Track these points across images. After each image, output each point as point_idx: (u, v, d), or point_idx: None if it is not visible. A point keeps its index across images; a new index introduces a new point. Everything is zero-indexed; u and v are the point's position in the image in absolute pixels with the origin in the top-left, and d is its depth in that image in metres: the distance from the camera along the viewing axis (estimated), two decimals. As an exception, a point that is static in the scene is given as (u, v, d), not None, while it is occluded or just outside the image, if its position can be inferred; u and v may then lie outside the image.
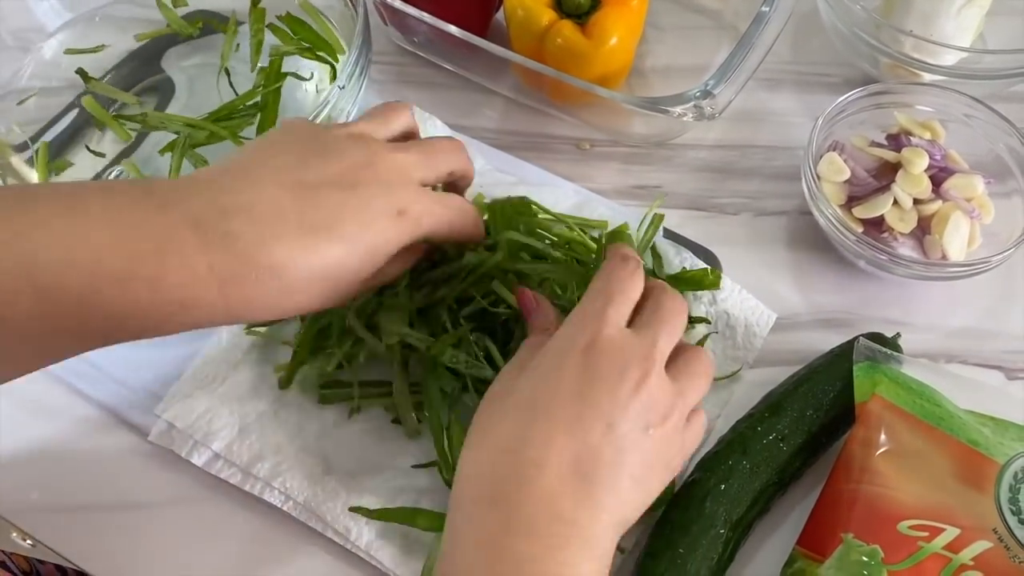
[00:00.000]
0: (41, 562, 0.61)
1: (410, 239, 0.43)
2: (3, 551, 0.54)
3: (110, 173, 0.58)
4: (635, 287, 0.42)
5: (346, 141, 0.43)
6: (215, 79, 0.60)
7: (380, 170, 0.43)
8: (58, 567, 0.60)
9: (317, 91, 0.61)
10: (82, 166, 0.58)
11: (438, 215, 0.45)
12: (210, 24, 0.63)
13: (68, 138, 0.59)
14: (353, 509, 0.49)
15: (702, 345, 0.54)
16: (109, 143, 0.59)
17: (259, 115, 0.56)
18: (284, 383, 0.52)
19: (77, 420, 0.54)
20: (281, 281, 0.39)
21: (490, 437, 0.39)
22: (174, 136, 0.57)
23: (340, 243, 0.40)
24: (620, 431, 0.38)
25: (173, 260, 0.37)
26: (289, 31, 0.60)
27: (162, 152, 0.56)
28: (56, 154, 0.58)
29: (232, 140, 0.55)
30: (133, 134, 0.59)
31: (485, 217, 0.53)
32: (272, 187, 0.40)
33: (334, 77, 0.60)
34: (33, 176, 0.57)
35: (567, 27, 0.60)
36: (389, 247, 0.42)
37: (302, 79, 0.56)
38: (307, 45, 0.60)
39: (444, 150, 0.47)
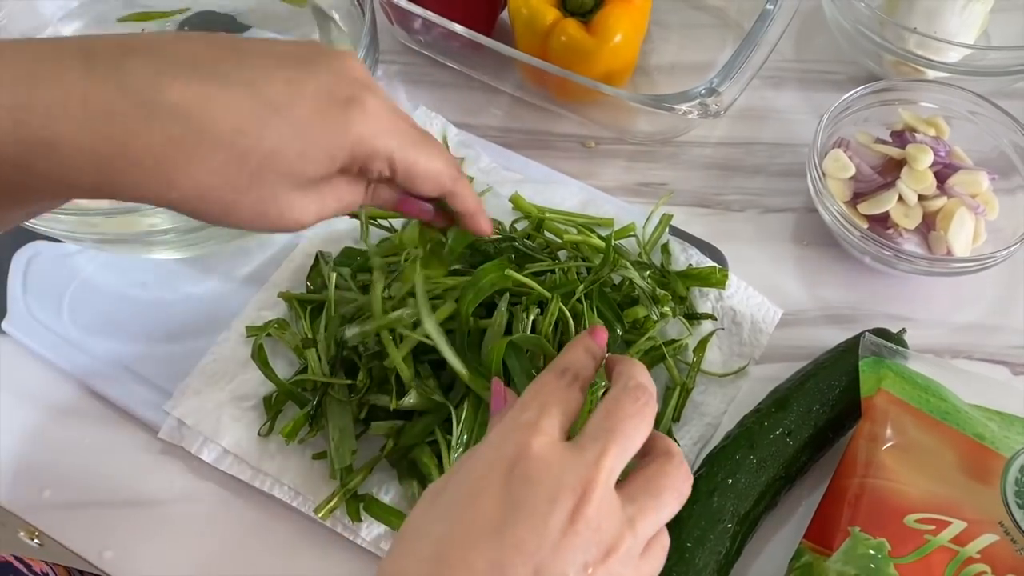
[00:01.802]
0: (56, 564, 0.61)
1: (354, 144, 0.35)
2: (18, 557, 0.54)
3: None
4: (573, 399, 0.36)
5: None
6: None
7: (343, 61, 0.36)
8: (67, 570, 0.60)
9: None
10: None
11: (401, 132, 0.36)
12: (219, 27, 0.64)
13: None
14: (350, 503, 0.49)
15: (706, 343, 0.54)
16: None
17: None
18: (265, 432, 0.52)
19: (87, 417, 0.54)
20: (167, 129, 0.31)
21: None
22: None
23: (255, 101, 0.32)
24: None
25: (45, 86, 0.30)
26: None
27: None
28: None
29: None
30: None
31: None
32: (201, 41, 0.33)
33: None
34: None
35: (571, 25, 0.60)
36: (324, 137, 0.34)
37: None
38: None
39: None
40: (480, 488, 0.32)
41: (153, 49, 0.32)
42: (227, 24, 0.64)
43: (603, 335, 0.39)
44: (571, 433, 0.35)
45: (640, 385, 0.35)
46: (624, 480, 0.34)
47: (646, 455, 0.36)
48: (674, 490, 0.35)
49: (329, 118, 0.34)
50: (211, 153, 0.32)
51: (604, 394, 0.37)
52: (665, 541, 0.35)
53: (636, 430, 0.34)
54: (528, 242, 0.54)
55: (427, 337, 0.48)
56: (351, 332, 0.49)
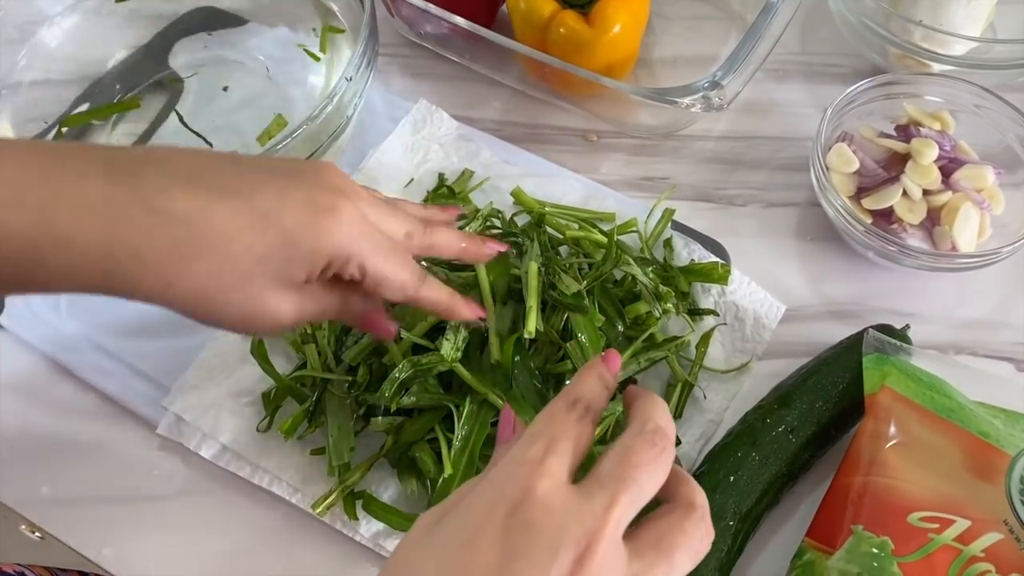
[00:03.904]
0: (63, 570, 0.61)
1: (330, 250, 0.38)
2: (21, 564, 0.54)
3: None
4: (583, 434, 0.33)
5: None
6: (224, 76, 0.60)
7: (326, 173, 0.40)
8: (81, 573, 0.60)
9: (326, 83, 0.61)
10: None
11: (373, 240, 0.39)
12: (218, 21, 0.63)
13: (75, 137, 0.59)
14: (347, 500, 0.49)
15: (709, 339, 0.54)
16: (120, 137, 0.59)
17: None
18: (264, 428, 0.51)
19: (85, 413, 0.54)
20: (172, 232, 0.35)
21: None
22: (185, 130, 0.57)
23: (248, 210, 0.36)
24: None
25: (69, 187, 0.34)
26: None
27: None
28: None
29: None
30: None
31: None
32: (206, 155, 0.38)
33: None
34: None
35: (570, 16, 0.60)
36: (307, 244, 0.37)
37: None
38: None
39: (439, 223, 0.45)
40: (478, 529, 0.30)
41: (165, 161, 0.36)
42: (227, 17, 0.64)
43: (616, 361, 0.37)
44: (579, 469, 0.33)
45: (659, 429, 0.33)
46: (636, 528, 0.32)
47: (667, 501, 0.34)
48: (688, 549, 0.32)
49: (312, 226, 0.37)
50: (208, 256, 0.36)
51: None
52: None
53: (650, 478, 0.32)
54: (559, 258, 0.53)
55: (424, 337, 0.48)
56: (350, 355, 0.49)
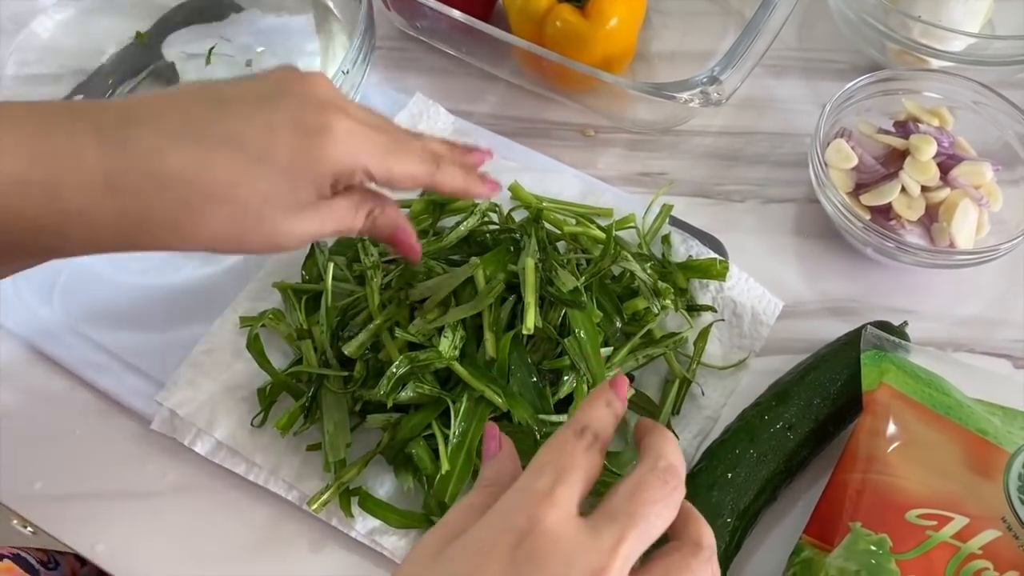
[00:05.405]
0: (61, 553, 0.61)
1: (332, 170, 0.39)
2: (17, 547, 0.54)
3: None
4: (592, 464, 0.32)
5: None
6: (218, 67, 0.59)
7: (309, 87, 0.39)
8: (77, 557, 0.59)
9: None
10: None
11: (372, 146, 0.40)
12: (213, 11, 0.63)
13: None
14: (343, 496, 0.48)
15: (707, 335, 0.53)
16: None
17: None
18: (259, 423, 0.51)
19: (79, 408, 0.53)
20: (177, 194, 0.36)
21: None
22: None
23: (242, 155, 0.37)
24: None
25: (69, 164, 0.35)
26: None
27: None
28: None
29: None
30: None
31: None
32: (187, 99, 0.38)
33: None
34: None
35: (566, 10, 0.59)
36: (306, 170, 0.38)
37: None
38: None
39: (413, 152, 0.42)
40: (483, 559, 0.30)
41: (150, 117, 0.37)
42: (222, 7, 0.63)
43: (624, 386, 0.35)
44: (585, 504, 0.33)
45: (671, 467, 0.32)
46: (642, 564, 0.32)
47: (674, 539, 0.33)
48: None
49: (307, 153, 0.38)
50: (218, 208, 0.37)
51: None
52: None
53: (659, 516, 0.31)
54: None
55: (421, 334, 0.48)
56: (351, 348, 0.49)
